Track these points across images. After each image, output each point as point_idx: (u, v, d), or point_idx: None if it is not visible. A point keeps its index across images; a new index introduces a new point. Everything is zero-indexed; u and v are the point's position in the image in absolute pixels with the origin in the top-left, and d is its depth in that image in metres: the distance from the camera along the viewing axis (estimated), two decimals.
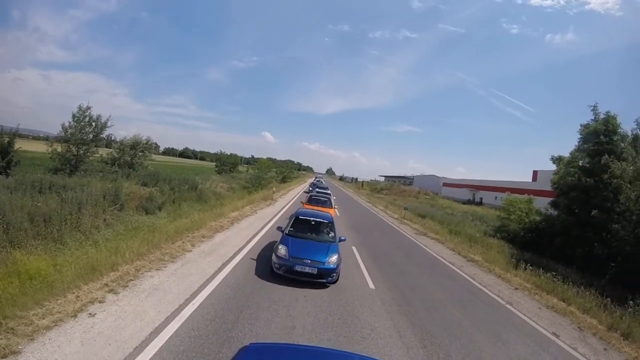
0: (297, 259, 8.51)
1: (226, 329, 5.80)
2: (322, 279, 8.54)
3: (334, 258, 8.83)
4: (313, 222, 10.69)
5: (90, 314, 5.58)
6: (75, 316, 5.43)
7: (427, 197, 69.93)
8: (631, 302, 10.20)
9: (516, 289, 11.96)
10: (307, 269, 8.40)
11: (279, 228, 10.54)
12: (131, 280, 7.19)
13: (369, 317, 7.34)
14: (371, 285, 9.61)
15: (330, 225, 10.80)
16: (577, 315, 10.05)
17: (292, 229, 10.14)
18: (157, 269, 8.09)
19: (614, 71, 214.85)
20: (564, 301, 11.07)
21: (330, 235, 10.36)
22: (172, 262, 8.80)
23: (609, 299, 10.66)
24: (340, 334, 6.28)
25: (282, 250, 8.76)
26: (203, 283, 7.72)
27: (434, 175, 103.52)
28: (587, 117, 19.07)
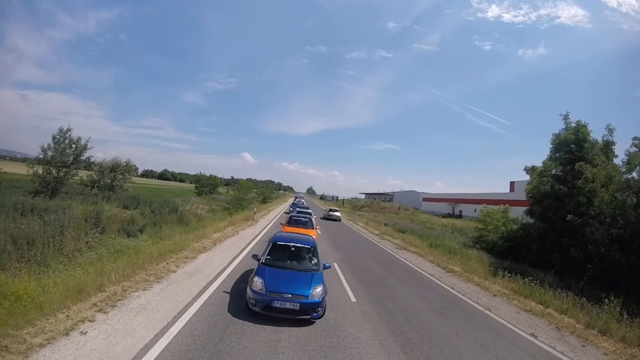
0: (275, 294, 7.50)
1: (214, 343, 6.02)
2: (306, 315, 7.54)
3: (318, 290, 7.84)
4: (293, 248, 9.57)
5: (81, 332, 5.74)
6: (67, 334, 5.59)
7: (407, 212, 70.91)
8: (606, 300, 10.72)
9: (495, 295, 12.44)
10: (288, 305, 7.39)
11: (254, 256, 9.39)
12: (119, 300, 7.34)
13: (351, 327, 7.65)
14: (353, 299, 9.90)
15: (313, 250, 9.69)
16: (554, 316, 10.55)
17: (269, 257, 9.03)
18: (144, 289, 8.23)
19: (585, 81, 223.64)
20: (541, 304, 11.55)
21: (313, 262, 9.31)
22: (157, 282, 8.94)
23: (586, 299, 11.19)
24: (324, 345, 6.56)
25: (257, 283, 7.71)
26: (189, 302, 7.90)
27: (414, 191, 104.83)
28: (560, 126, 19.75)
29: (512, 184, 58.36)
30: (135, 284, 8.48)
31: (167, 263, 10.80)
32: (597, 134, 18.95)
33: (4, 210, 12.60)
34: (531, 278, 13.45)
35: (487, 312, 10.43)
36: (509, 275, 14.21)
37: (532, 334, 8.87)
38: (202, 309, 7.57)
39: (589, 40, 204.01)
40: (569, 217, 16.24)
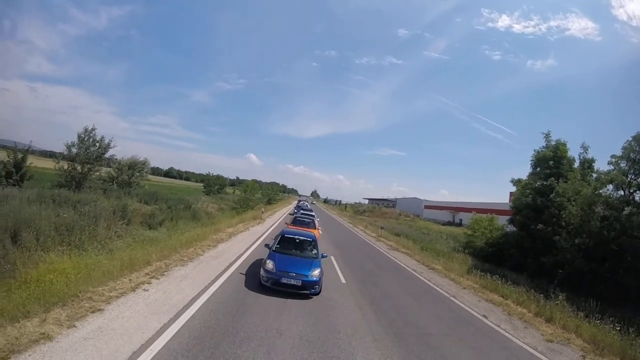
0: (283, 272, 9.48)
1: (240, 298, 8.51)
2: (306, 290, 9.54)
3: (316, 272, 9.87)
4: (297, 240, 11.68)
5: (144, 289, 8.08)
6: (134, 290, 7.91)
7: (408, 218, 72.62)
8: (553, 295, 12.64)
9: (464, 288, 14.64)
10: (292, 281, 9.39)
11: (266, 245, 11.69)
12: (165, 271, 9.73)
13: (339, 298, 10.07)
14: (343, 281, 12.35)
15: (313, 243, 11.81)
16: (510, 306, 12.54)
17: (278, 245, 11.13)
18: (182, 265, 10.67)
19: (593, 92, 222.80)
20: (502, 297, 13.48)
21: (313, 252, 11.36)
22: (190, 261, 11.36)
23: (542, 295, 12.95)
24: (316, 307, 8.97)
25: (269, 264, 9.74)
26: (218, 274, 10.34)
27: (416, 198, 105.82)
28: (564, 138, 21.46)
29: (511, 194, 59.37)
30: (174, 261, 10.89)
31: (194, 249, 13.20)
32: (594, 149, 20.84)
33: (44, 201, 14.59)
34: (498, 276, 15.42)
35: (452, 298, 12.70)
36: (482, 273, 16.11)
37: (484, 315, 11.02)
38: (229, 279, 10.07)
39: (598, 52, 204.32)
40: (540, 226, 18.26)
